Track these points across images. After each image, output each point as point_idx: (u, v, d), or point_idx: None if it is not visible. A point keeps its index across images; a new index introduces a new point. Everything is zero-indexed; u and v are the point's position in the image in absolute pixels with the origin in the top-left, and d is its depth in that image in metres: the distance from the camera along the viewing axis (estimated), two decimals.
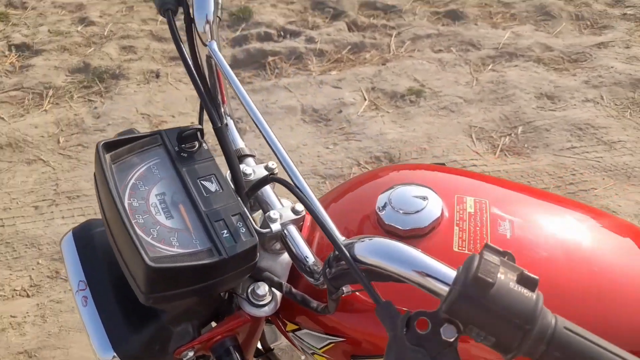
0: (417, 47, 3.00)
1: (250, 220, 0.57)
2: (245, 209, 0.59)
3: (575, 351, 0.38)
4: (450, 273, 0.44)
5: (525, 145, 2.33)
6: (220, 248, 0.54)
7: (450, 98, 2.62)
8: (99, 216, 0.63)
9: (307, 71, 2.84)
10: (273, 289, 0.64)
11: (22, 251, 2.00)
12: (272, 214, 0.62)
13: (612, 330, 0.58)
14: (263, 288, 0.63)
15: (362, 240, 0.50)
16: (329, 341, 0.65)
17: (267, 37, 3.05)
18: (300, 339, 0.69)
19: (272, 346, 0.90)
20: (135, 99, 2.69)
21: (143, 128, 2.51)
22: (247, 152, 0.73)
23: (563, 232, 0.65)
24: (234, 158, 0.63)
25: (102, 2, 3.53)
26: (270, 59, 2.88)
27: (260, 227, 0.62)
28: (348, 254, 0.50)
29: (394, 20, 3.20)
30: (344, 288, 0.54)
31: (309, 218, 0.72)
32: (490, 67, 2.82)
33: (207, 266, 0.53)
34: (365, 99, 2.63)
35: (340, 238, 0.53)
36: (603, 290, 0.60)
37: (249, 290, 0.63)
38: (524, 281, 0.40)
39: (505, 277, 0.40)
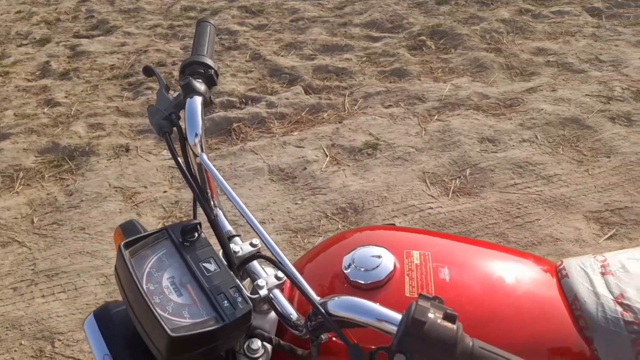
0: (369, 104, 3.27)
1: (244, 291, 0.72)
2: (239, 282, 0.74)
3: None
4: (397, 317, 0.61)
5: (474, 186, 2.57)
6: (223, 315, 0.68)
7: (403, 148, 2.86)
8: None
9: (270, 133, 3.05)
10: (265, 343, 0.77)
11: (3, 334, 2.02)
12: (260, 282, 0.77)
13: (520, 343, 0.75)
14: (256, 343, 0.76)
15: (333, 298, 0.67)
16: None
17: (229, 105, 3.26)
18: None
19: None
20: (106, 173, 2.80)
21: (117, 201, 2.61)
22: (234, 233, 0.88)
23: (489, 272, 0.83)
24: (226, 240, 0.79)
25: (66, 83, 3.68)
26: (235, 125, 3.07)
27: (251, 294, 0.76)
28: (324, 311, 0.66)
29: (345, 81, 3.49)
30: (322, 336, 0.70)
31: (289, 281, 0.88)
32: (435, 117, 3.10)
33: (214, 331, 0.67)
34: (326, 155, 2.83)
35: (316, 298, 0.69)
36: (516, 315, 0.77)
37: (245, 346, 0.76)
38: (447, 317, 0.57)
39: (434, 316, 0.57)
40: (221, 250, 0.79)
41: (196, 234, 0.78)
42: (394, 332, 0.59)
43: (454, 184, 2.57)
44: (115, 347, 0.74)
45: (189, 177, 0.80)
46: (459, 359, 0.55)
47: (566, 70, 3.43)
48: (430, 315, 0.57)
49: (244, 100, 3.32)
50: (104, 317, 0.78)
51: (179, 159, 0.82)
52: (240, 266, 0.79)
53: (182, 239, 0.77)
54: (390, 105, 3.25)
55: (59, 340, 1.98)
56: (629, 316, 0.76)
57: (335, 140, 2.96)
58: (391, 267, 0.80)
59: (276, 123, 3.13)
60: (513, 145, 2.81)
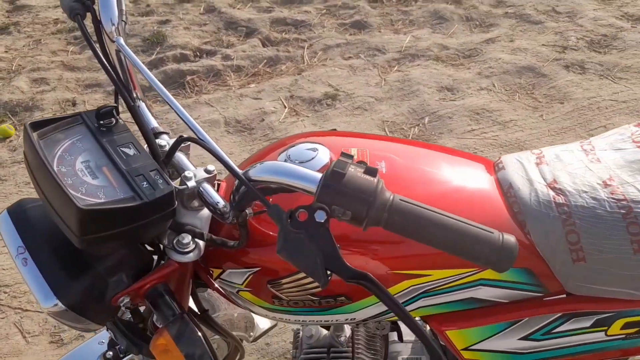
0: (329, 56, 3.21)
1: (166, 175, 0.68)
2: (160, 166, 0.70)
3: (409, 213, 0.53)
4: (318, 175, 0.58)
5: (433, 133, 2.57)
6: (142, 194, 0.64)
7: (363, 98, 2.83)
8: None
9: (226, 86, 2.96)
10: (196, 240, 0.74)
11: None
12: (187, 173, 0.73)
13: None
14: (187, 238, 0.73)
15: (255, 166, 0.63)
16: (247, 274, 0.77)
17: (183, 58, 3.13)
18: (225, 280, 0.80)
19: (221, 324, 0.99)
20: None
21: None
22: (162, 129, 0.83)
23: (426, 166, 0.82)
24: (149, 131, 0.74)
25: (6, 38, 3.46)
26: (188, 78, 2.97)
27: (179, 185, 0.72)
28: (244, 178, 0.62)
29: (304, 33, 3.41)
30: (247, 211, 0.67)
31: (224, 185, 0.84)
32: (395, 68, 3.07)
33: (131, 209, 0.63)
34: (285, 107, 2.78)
35: (239, 170, 0.66)
36: (451, 204, 0.77)
37: (175, 241, 0.73)
38: (368, 171, 0.55)
39: (355, 170, 0.55)
40: (145, 145, 0.74)
41: (114, 120, 0.73)
42: (315, 191, 0.56)
43: (412, 132, 2.57)
44: (30, 239, 0.69)
45: (104, 61, 0.74)
46: (378, 211, 0.53)
47: (524, 21, 3.45)
48: (351, 169, 0.55)
49: (198, 53, 3.20)
50: (18, 212, 0.73)
51: (93, 42, 0.75)
52: (167, 159, 0.74)
53: (97, 124, 0.72)
54: (350, 57, 3.20)
55: (5, 292, 1.90)
56: (560, 199, 0.76)
57: (294, 92, 2.90)
58: (326, 160, 0.77)
59: (232, 76, 3.04)
60: (471, 94, 2.82)
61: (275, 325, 1.43)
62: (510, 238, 0.55)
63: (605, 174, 0.78)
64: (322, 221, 0.54)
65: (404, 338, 1.12)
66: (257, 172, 0.63)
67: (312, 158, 0.77)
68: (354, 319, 0.81)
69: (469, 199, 0.79)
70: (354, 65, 3.11)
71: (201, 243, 0.74)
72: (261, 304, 0.79)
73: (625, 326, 0.82)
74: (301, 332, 1.14)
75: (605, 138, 0.87)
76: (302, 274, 0.73)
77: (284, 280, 0.74)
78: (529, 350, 0.85)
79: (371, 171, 0.55)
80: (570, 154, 0.84)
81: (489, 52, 3.16)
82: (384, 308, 0.78)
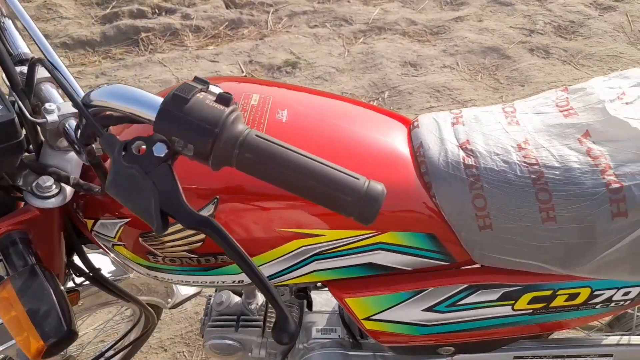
0: (294, 23, 3.09)
1: (6, 99, 0.58)
2: (20, 96, 0.60)
3: (264, 151, 0.46)
4: (159, 100, 0.50)
5: (391, 107, 2.51)
6: None
7: (324, 68, 2.74)
8: None
9: (183, 46, 2.82)
10: (62, 184, 0.66)
11: None
12: (48, 105, 0.63)
13: None
14: (48, 181, 0.65)
15: (101, 86, 0.55)
16: (118, 225, 0.69)
17: (140, 15, 2.97)
18: (98, 233, 0.72)
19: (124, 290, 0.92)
20: None
21: None
22: (30, 57, 0.73)
23: (334, 120, 0.75)
24: (6, 55, 0.64)
25: None
26: (143, 35, 2.81)
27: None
28: (80, 101, 0.54)
29: None
30: (94, 146, 0.58)
31: None
32: (361, 40, 2.98)
33: None
34: (242, 72, 2.66)
35: (81, 93, 0.56)
36: (355, 159, 0.71)
37: (34, 184, 0.64)
38: (221, 99, 0.47)
39: (204, 97, 0.47)
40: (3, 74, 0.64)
41: None
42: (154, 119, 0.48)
43: None
44: None
45: None
46: (226, 146, 0.45)
47: (495, 2, 3.39)
48: (199, 95, 0.47)
49: (156, 10, 3.04)
50: None
51: None
52: (28, 88, 0.65)
53: None
54: (315, 26, 3.09)
55: None
56: (470, 160, 0.70)
57: (253, 57, 2.78)
58: None
59: (190, 36, 2.89)
60: (434, 71, 2.76)
61: (199, 293, 1.36)
62: (377, 185, 0.49)
63: (522, 137, 0.72)
64: (162, 155, 0.46)
65: (319, 309, 1.06)
66: (96, 96, 0.54)
67: None
68: (242, 281, 0.74)
69: (375, 156, 0.72)
70: (319, 34, 3.01)
71: (68, 188, 0.65)
72: (137, 261, 0.72)
73: (532, 301, 0.77)
74: (212, 299, 1.07)
75: (530, 101, 0.81)
76: (176, 227, 0.65)
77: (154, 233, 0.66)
78: (433, 323, 0.81)
79: (224, 99, 0.47)
80: (489, 116, 0.78)
81: (456, 30, 3.10)
82: (274, 271, 0.72)
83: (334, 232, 0.69)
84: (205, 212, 0.64)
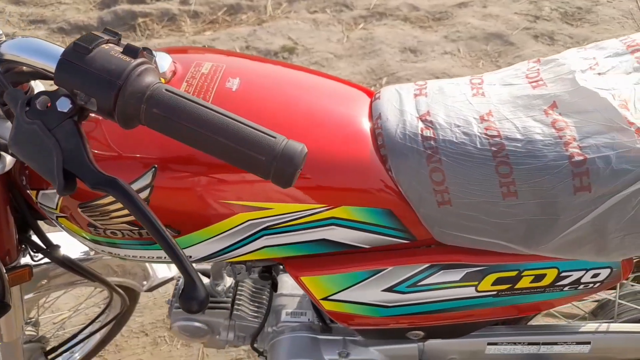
0: (294, 8, 3.05)
1: None
2: None
3: (172, 107, 0.43)
4: (61, 50, 0.47)
5: None
6: None
7: (322, 54, 2.70)
8: None
9: (180, 32, 2.80)
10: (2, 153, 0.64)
11: None
12: None
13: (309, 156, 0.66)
14: None
15: (7, 40, 0.53)
16: (58, 196, 0.66)
17: (138, 0, 2.96)
18: (42, 205, 0.70)
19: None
20: None
21: None
22: None
23: (290, 89, 0.72)
24: None
25: None
26: (140, 20, 2.80)
27: None
28: None
29: None
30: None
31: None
32: (361, 25, 2.93)
33: None
34: None
35: None
36: (309, 129, 0.68)
37: None
38: (128, 51, 0.44)
39: (109, 48, 0.44)
40: None
41: None
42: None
43: None
44: None
45: None
46: (131, 100, 0.42)
47: None
48: (104, 46, 0.44)
49: None
50: None
51: None
52: None
53: None
54: (315, 11, 3.04)
55: None
56: (428, 132, 0.67)
57: (250, 43, 2.75)
58: (163, 69, 0.66)
59: (188, 21, 2.87)
60: (434, 57, 2.70)
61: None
62: (295, 145, 0.46)
63: (486, 109, 0.68)
64: (66, 111, 0.43)
65: (290, 292, 1.04)
66: (5, 49, 0.52)
67: None
68: (190, 257, 0.71)
69: (331, 128, 0.69)
70: (319, 20, 2.96)
71: (8, 157, 0.63)
72: (80, 233, 0.70)
73: (497, 282, 0.74)
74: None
75: (499, 73, 0.77)
76: (109, 198, 0.63)
77: (94, 203, 0.64)
78: (394, 304, 0.78)
79: (132, 51, 0.44)
80: (455, 87, 0.74)
81: (459, 16, 3.03)
82: (222, 246, 0.69)
83: (282, 206, 0.66)
84: (142, 182, 0.62)
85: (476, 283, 0.74)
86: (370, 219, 0.68)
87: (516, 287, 0.74)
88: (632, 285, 1.06)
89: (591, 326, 0.96)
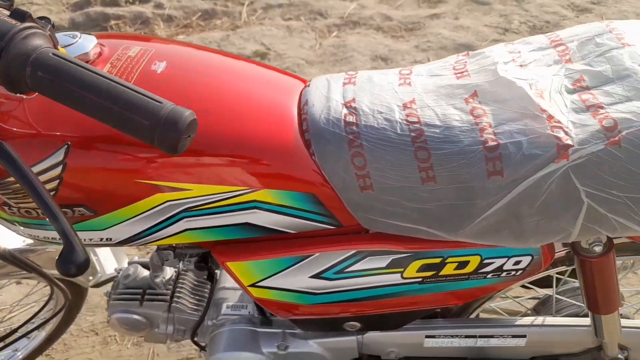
0: (269, 15, 3.08)
1: None
2: None
3: (58, 70, 0.43)
4: None
5: None
6: None
7: (293, 60, 2.72)
8: None
9: (152, 35, 2.80)
10: None
11: None
12: None
13: (234, 139, 0.66)
14: None
15: None
16: None
17: (112, 3, 2.95)
18: None
19: None
20: None
21: None
22: None
23: (218, 74, 0.72)
24: None
25: None
26: (112, 22, 2.79)
27: None
28: None
29: None
30: None
31: None
32: (334, 33, 2.96)
33: None
34: None
35: None
36: (235, 114, 0.69)
37: None
38: (15, 14, 0.44)
39: None
40: None
41: None
42: None
43: None
44: None
45: None
46: (14, 63, 0.42)
47: (472, 1, 3.38)
48: None
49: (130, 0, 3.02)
50: None
51: None
52: None
53: None
54: (290, 19, 3.08)
55: None
56: (351, 118, 0.68)
57: (223, 47, 2.76)
58: (86, 50, 0.66)
59: (161, 25, 2.87)
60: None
61: None
62: (182, 110, 0.46)
63: (409, 97, 0.70)
64: None
65: (231, 285, 1.03)
66: None
67: (69, 44, 0.65)
68: (110, 239, 0.71)
69: (257, 110, 0.70)
70: (292, 27, 2.99)
71: None
72: None
73: (422, 268, 0.74)
74: (120, 272, 1.04)
75: (429, 65, 0.78)
76: None
77: (6, 180, 0.63)
78: (322, 291, 0.78)
79: (20, 15, 0.44)
80: (383, 77, 0.75)
81: (431, 27, 3.08)
82: (141, 228, 0.68)
83: (202, 187, 0.66)
84: (54, 159, 0.61)
85: (402, 270, 0.75)
86: (294, 203, 0.69)
87: (440, 273, 0.75)
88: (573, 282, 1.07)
89: (527, 320, 0.97)
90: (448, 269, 0.74)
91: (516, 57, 0.73)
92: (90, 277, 1.22)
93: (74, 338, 1.49)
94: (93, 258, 1.26)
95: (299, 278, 0.76)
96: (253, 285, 0.77)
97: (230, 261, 0.74)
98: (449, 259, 0.73)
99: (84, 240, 0.71)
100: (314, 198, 0.69)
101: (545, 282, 1.04)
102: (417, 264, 0.74)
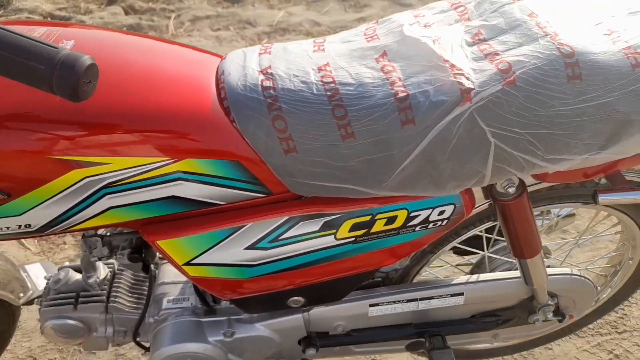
0: (197, 27, 3.07)
1: None
2: None
3: None
4: None
5: None
6: None
7: None
8: None
9: None
10: None
11: None
12: None
13: (151, 111, 0.67)
14: None
15: None
16: None
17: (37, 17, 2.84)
18: None
19: None
20: None
21: None
22: None
23: (131, 52, 0.72)
24: None
25: None
26: None
27: None
28: None
29: (173, 4, 3.23)
30: None
31: None
32: (265, 41, 2.99)
33: None
34: None
35: None
36: (150, 86, 0.69)
37: None
38: None
39: None
40: None
41: None
42: None
43: None
44: None
45: None
46: None
47: (395, 4, 3.52)
48: None
49: (49, 19, 2.91)
50: None
51: None
52: None
53: None
54: (219, 29, 3.08)
55: None
56: (268, 82, 0.69)
57: None
58: None
59: None
60: None
61: None
62: (79, 54, 0.45)
63: (324, 61, 0.72)
64: None
65: (171, 280, 1.01)
66: None
67: None
68: (29, 225, 0.68)
69: (173, 83, 0.70)
70: (222, 37, 3.00)
71: None
72: None
73: (353, 228, 0.76)
74: (50, 279, 0.99)
75: (342, 34, 0.82)
76: None
77: None
78: (258, 262, 0.78)
79: None
80: (298, 46, 0.77)
81: None
82: (62, 210, 0.66)
83: (121, 160, 0.65)
84: None
85: (334, 231, 0.76)
86: (219, 171, 0.69)
87: (372, 231, 0.77)
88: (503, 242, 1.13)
89: (463, 278, 1.01)
90: (378, 226, 0.76)
91: (421, 19, 0.77)
92: (21, 294, 1.15)
93: None
94: (23, 274, 1.19)
95: (233, 251, 0.76)
96: (188, 263, 0.76)
97: (160, 239, 0.73)
98: (378, 216, 0.76)
99: (2, 229, 0.67)
100: (239, 165, 0.69)
101: (477, 246, 1.10)
102: (349, 223, 0.76)
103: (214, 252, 0.75)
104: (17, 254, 1.71)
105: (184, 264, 0.76)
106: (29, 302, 1.19)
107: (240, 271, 0.78)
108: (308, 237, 0.76)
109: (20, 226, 0.67)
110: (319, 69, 0.71)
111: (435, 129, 0.66)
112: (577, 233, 1.23)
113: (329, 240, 0.77)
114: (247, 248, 0.76)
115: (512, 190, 0.78)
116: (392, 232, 0.78)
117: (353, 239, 0.77)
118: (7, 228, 0.67)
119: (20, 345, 1.43)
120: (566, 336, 1.37)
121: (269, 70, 0.71)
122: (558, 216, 1.15)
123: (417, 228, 0.78)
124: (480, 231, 1.02)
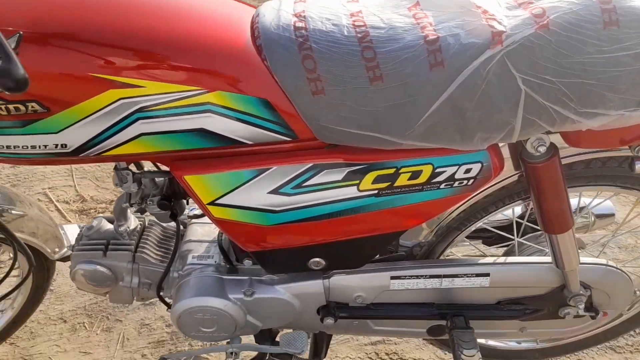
0: None
1: None
2: None
3: None
4: None
5: None
6: None
7: None
8: None
9: None
10: None
11: None
12: None
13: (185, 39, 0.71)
14: None
15: None
16: None
17: None
18: None
19: None
20: None
21: None
22: None
23: None
24: None
25: None
26: None
27: None
28: None
29: None
30: None
31: None
32: None
33: None
34: None
35: None
36: (187, 15, 0.72)
37: None
38: None
39: None
40: None
41: None
42: None
43: None
44: None
45: None
46: None
47: None
48: None
49: None
50: None
51: None
52: None
53: None
54: None
55: None
56: (300, 24, 0.72)
57: None
58: None
59: None
60: None
61: None
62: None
63: (357, 9, 0.74)
64: None
65: (197, 238, 1.03)
66: None
67: None
68: (65, 145, 0.71)
69: (211, 19, 0.74)
70: None
71: None
72: None
73: (377, 180, 0.76)
74: (83, 227, 1.03)
75: None
76: None
77: None
78: (281, 207, 0.79)
79: None
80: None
81: None
82: (98, 130, 0.69)
83: (155, 85, 0.67)
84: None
85: (357, 182, 0.76)
86: (247, 108, 0.71)
87: (395, 184, 0.76)
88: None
89: (490, 259, 0.98)
90: (402, 180, 0.76)
91: None
92: (57, 249, 1.20)
93: (40, 326, 1.44)
94: (60, 232, 1.24)
95: (257, 194, 0.77)
96: (212, 203, 0.77)
97: (188, 174, 0.75)
98: (403, 169, 0.75)
99: (41, 147, 0.71)
100: (267, 104, 0.71)
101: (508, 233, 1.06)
102: (372, 175, 0.76)
103: (238, 193, 0.76)
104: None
105: (209, 203, 0.78)
106: (64, 259, 1.24)
107: (263, 216, 0.79)
108: (331, 186, 0.77)
109: (57, 145, 0.71)
110: (351, 15, 0.72)
111: (465, 72, 0.66)
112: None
113: (351, 191, 0.77)
114: (270, 192, 0.77)
115: (542, 149, 0.76)
116: (415, 188, 0.77)
117: (376, 191, 0.77)
118: (45, 147, 0.71)
119: (53, 307, 1.48)
120: (601, 344, 1.29)
121: (302, 14, 0.73)
122: (594, 214, 1.10)
123: (442, 186, 0.77)
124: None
